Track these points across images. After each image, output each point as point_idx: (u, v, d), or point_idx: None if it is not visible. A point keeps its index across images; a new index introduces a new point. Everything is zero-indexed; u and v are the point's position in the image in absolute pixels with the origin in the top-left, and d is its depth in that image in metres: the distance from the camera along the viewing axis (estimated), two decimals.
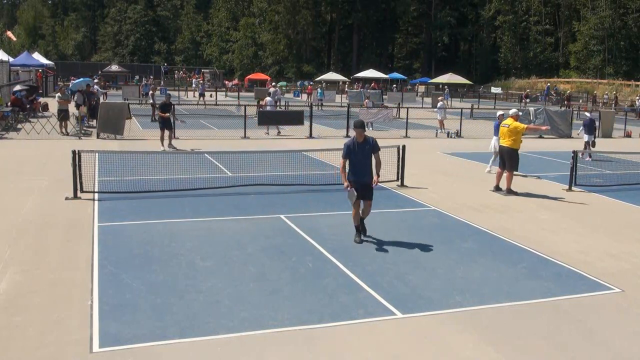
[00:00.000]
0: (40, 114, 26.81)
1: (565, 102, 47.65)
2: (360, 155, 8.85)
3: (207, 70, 77.74)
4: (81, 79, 37.17)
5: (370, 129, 24.75)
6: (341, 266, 7.92)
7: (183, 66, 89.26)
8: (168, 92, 23.40)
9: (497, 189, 13.35)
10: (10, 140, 19.81)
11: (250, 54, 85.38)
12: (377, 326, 6.15)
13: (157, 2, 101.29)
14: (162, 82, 60.49)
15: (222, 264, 7.89)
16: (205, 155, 16.43)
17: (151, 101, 28.81)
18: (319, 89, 43.16)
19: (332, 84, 63.88)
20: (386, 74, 71.60)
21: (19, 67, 42.92)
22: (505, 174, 13.18)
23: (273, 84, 38.29)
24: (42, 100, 31.94)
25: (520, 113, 15.58)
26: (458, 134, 25.35)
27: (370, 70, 68.52)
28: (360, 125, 8.84)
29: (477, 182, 14.52)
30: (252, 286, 7.12)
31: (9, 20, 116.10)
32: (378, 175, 8.91)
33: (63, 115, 21.66)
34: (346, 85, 62.37)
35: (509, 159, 13.05)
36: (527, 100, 54.20)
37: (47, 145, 18.73)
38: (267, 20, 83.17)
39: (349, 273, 7.66)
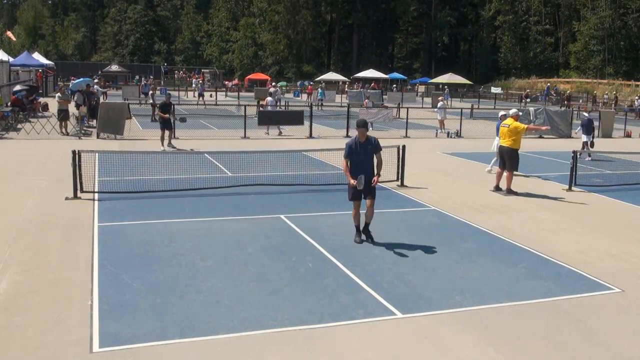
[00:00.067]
0: (40, 114, 26.82)
1: (565, 102, 47.66)
2: (363, 155, 8.80)
3: (207, 70, 77.75)
4: (81, 79, 37.17)
5: (371, 128, 24.70)
6: (341, 266, 7.92)
7: (183, 66, 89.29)
8: (168, 92, 23.41)
9: (497, 189, 13.35)
10: (10, 140, 19.82)
11: (250, 54, 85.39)
12: (377, 326, 6.15)
13: (157, 2, 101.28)
14: (162, 82, 60.53)
15: (222, 264, 7.89)
16: (205, 155, 16.43)
17: (151, 101, 28.82)
18: (319, 89, 43.15)
19: (332, 84, 63.88)
20: (386, 74, 71.61)
21: (19, 67, 42.93)
22: (505, 174, 13.18)
23: (273, 84, 38.36)
24: (42, 100, 31.94)
25: (521, 113, 15.59)
26: (458, 134, 25.35)
27: (370, 70, 68.54)
28: (363, 125, 8.80)
29: (477, 182, 14.52)
30: (252, 286, 7.12)
31: (9, 20, 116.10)
32: (379, 175, 8.89)
33: (63, 115, 21.67)
34: (346, 85, 62.37)
35: (509, 159, 13.06)
36: (527, 100, 54.20)
37: (47, 145, 18.73)
38: (267, 20, 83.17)
39: (349, 273, 7.66)
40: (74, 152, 11.27)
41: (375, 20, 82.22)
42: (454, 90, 58.39)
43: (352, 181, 8.68)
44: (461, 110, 27.72)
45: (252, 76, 72.40)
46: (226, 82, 68.58)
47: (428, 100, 48.35)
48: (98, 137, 20.88)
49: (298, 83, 69.27)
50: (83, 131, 22.05)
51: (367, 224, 9.06)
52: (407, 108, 28.00)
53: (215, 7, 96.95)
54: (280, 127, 23.90)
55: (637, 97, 46.02)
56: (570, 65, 72.01)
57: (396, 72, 77.23)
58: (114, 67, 71.48)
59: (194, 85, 55.95)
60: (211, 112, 33.09)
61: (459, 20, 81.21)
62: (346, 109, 26.07)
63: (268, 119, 23.27)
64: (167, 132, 18.71)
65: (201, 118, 29.23)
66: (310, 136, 23.07)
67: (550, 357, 5.63)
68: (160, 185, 12.43)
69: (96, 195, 11.58)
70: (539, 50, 74.96)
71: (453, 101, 50.27)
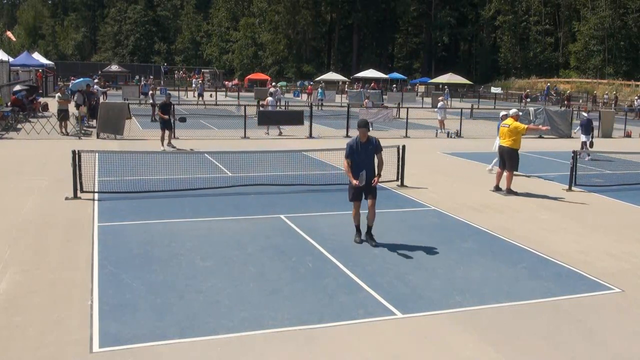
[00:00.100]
0: (40, 114, 26.82)
1: (565, 102, 47.66)
2: (364, 155, 8.76)
3: (207, 70, 77.76)
4: (81, 79, 37.17)
5: (371, 128, 24.66)
6: (341, 266, 7.91)
7: (183, 66, 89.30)
8: (168, 92, 23.43)
9: (497, 189, 13.35)
10: (10, 140, 19.82)
11: (250, 54, 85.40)
12: (377, 326, 6.15)
13: (157, 2, 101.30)
14: (162, 82, 60.52)
15: (222, 264, 7.89)
16: (205, 155, 16.43)
17: (151, 101, 28.82)
18: (319, 89, 43.15)
19: (332, 84, 63.89)
20: (386, 74, 71.59)
21: (19, 67, 42.91)
22: (505, 174, 13.19)
23: (273, 84, 38.35)
24: (42, 100, 31.94)
25: (521, 113, 15.59)
26: (458, 134, 25.35)
27: (370, 70, 68.51)
28: (364, 125, 8.77)
29: (477, 182, 14.52)
30: (252, 286, 7.12)
31: (9, 20, 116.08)
32: (379, 175, 8.88)
33: (63, 115, 21.67)
34: (346, 85, 62.38)
35: (509, 159, 13.06)
36: (527, 100, 54.20)
37: (47, 145, 18.73)
38: (267, 20, 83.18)
39: (349, 273, 7.66)
40: (74, 152, 11.27)
41: (375, 20, 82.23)
42: (454, 90, 58.39)
43: (354, 181, 8.58)
44: (461, 110, 27.72)
45: (252, 76, 72.42)
46: (226, 82, 68.58)
47: (428, 100, 48.35)
48: (98, 137, 20.88)
49: (298, 83, 69.29)
50: (83, 131, 22.05)
51: (369, 227, 8.96)
52: (407, 108, 27.99)
53: (215, 7, 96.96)
54: (280, 127, 23.91)
55: (637, 97, 46.01)
56: (570, 65, 72.04)
57: (396, 72, 77.22)
58: (114, 67, 71.48)
59: (193, 85, 55.95)
60: (211, 112, 33.08)
61: (459, 20, 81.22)
62: (346, 109, 26.06)
63: (268, 119, 23.27)
64: (167, 132, 18.72)
65: (201, 118, 29.24)
66: (310, 136, 23.07)
67: (550, 357, 5.63)
68: (160, 185, 12.43)
69: (96, 195, 11.58)
70: (539, 50, 74.98)
71: (453, 101, 50.28)
